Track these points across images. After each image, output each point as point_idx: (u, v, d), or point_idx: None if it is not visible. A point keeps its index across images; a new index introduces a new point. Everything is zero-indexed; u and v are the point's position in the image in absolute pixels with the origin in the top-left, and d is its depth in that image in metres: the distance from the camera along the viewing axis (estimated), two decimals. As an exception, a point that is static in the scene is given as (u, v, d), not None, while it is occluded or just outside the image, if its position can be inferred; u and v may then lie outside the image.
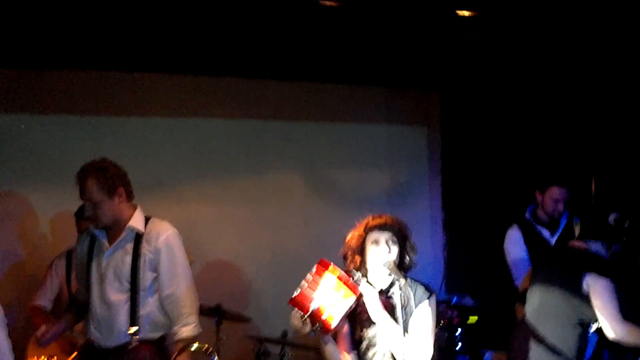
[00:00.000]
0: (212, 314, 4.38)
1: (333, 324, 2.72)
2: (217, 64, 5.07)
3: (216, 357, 3.51)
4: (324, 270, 2.75)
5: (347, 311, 2.77)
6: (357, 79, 5.51)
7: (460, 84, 5.60)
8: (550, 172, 4.69)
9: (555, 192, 4.53)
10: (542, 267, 3.77)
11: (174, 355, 3.27)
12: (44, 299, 4.33)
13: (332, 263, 2.77)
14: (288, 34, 4.67)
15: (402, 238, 2.94)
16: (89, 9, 4.14)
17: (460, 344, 4.60)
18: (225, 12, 4.33)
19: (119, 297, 3.38)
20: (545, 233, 4.62)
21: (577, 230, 4.23)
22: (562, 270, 3.55)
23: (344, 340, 2.93)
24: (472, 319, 4.66)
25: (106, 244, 3.45)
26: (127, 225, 3.41)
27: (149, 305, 3.41)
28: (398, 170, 5.83)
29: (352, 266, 2.96)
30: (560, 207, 4.54)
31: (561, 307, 3.43)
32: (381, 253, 2.89)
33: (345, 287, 2.71)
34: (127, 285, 3.39)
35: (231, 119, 5.48)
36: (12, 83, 4.89)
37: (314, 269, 2.78)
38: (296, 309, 2.73)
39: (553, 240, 4.60)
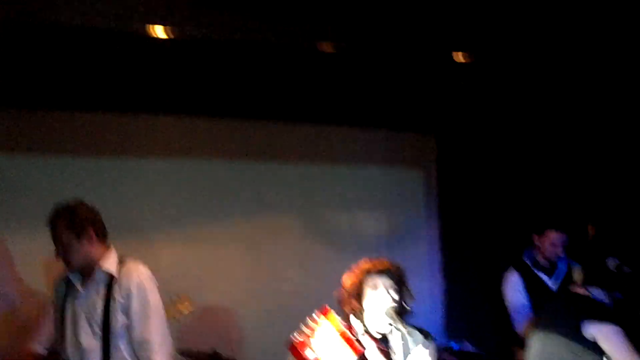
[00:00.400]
0: (208, 360, 4.32)
1: None
2: (212, 105, 5.09)
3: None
4: (326, 321, 2.70)
5: None
6: (353, 122, 5.54)
7: (456, 127, 5.64)
8: (548, 216, 4.68)
9: (552, 236, 4.52)
10: (543, 313, 3.73)
11: None
12: (38, 343, 4.24)
13: (334, 314, 2.71)
14: (285, 77, 4.71)
15: (400, 283, 2.92)
16: (81, 52, 4.17)
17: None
18: (221, 55, 4.37)
19: (91, 342, 3.30)
20: (544, 277, 4.59)
21: (576, 275, 4.20)
22: (562, 316, 3.51)
23: None
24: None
25: (79, 287, 3.39)
26: (98, 268, 3.35)
27: (120, 351, 3.32)
28: (395, 213, 5.82)
29: (348, 310, 2.91)
30: (559, 250, 4.52)
31: (562, 354, 3.38)
32: (380, 298, 2.86)
33: (347, 344, 2.66)
34: (99, 330, 3.31)
35: (227, 160, 5.47)
36: (4, 123, 4.86)
37: (316, 317, 2.73)
38: (294, 354, 2.67)
39: (552, 284, 4.57)
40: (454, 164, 5.76)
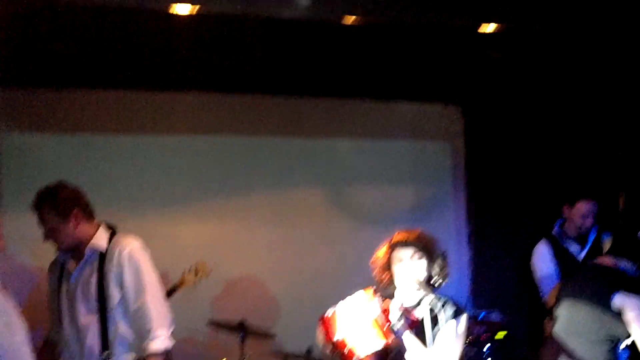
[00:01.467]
0: (237, 330, 4.38)
1: (355, 359, 2.66)
2: (240, 81, 5.08)
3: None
4: (363, 303, 2.67)
5: (373, 352, 2.71)
6: (380, 94, 5.49)
7: (484, 97, 5.56)
8: (579, 186, 4.62)
9: (583, 206, 4.47)
10: (571, 283, 3.72)
11: None
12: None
13: (372, 295, 2.68)
14: (311, 51, 4.69)
15: (428, 252, 2.90)
16: (100, 27, 4.18)
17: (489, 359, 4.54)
18: (248, 29, 4.35)
19: (88, 319, 3.32)
20: (574, 248, 4.56)
21: (605, 246, 4.16)
22: (590, 287, 3.49)
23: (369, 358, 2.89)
24: (500, 334, 4.60)
25: (72, 267, 3.40)
26: (88, 246, 3.36)
27: (119, 325, 3.33)
28: (422, 186, 5.78)
29: (381, 283, 2.92)
30: (589, 222, 4.48)
31: (589, 324, 3.37)
32: (406, 270, 2.85)
33: (379, 329, 2.65)
34: (95, 306, 3.32)
35: (254, 136, 5.49)
36: (25, 102, 4.93)
37: (356, 296, 2.71)
38: (322, 329, 2.69)
39: (581, 256, 4.53)
40: (482, 135, 5.69)
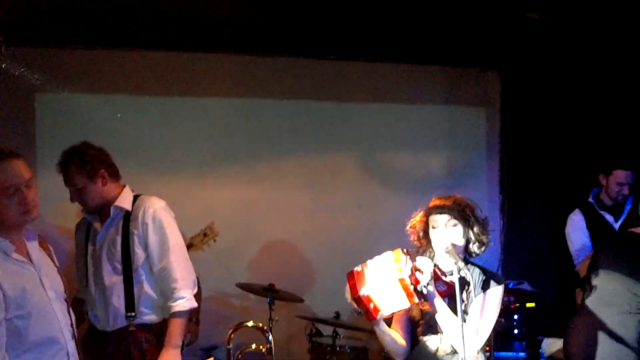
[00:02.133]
0: (265, 293, 4.41)
1: (378, 316, 2.64)
2: (271, 43, 5.04)
3: (270, 336, 3.51)
4: (391, 263, 2.63)
5: (396, 312, 2.70)
6: (415, 58, 5.40)
7: (521, 63, 5.43)
8: (615, 154, 4.52)
9: (620, 175, 4.39)
10: (604, 253, 3.64)
11: (230, 331, 3.27)
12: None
13: (404, 258, 2.63)
14: (345, 11, 4.61)
15: (464, 219, 2.83)
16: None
17: (517, 330, 4.51)
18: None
19: (113, 279, 3.35)
20: (609, 218, 4.49)
21: (642, 215, 4.08)
22: (624, 257, 3.41)
23: (400, 321, 2.88)
24: (530, 304, 4.56)
25: (98, 227, 3.43)
26: (113, 206, 3.37)
27: (143, 286, 3.35)
28: (456, 152, 5.71)
29: (420, 250, 2.89)
30: (625, 190, 4.40)
31: (621, 294, 3.30)
32: (441, 236, 2.82)
33: (403, 290, 2.60)
34: (119, 267, 3.34)
35: (286, 100, 5.46)
36: (59, 61, 4.95)
37: (384, 255, 2.67)
38: (349, 283, 2.67)
39: (617, 225, 4.46)
40: (518, 102, 5.58)
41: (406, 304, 2.61)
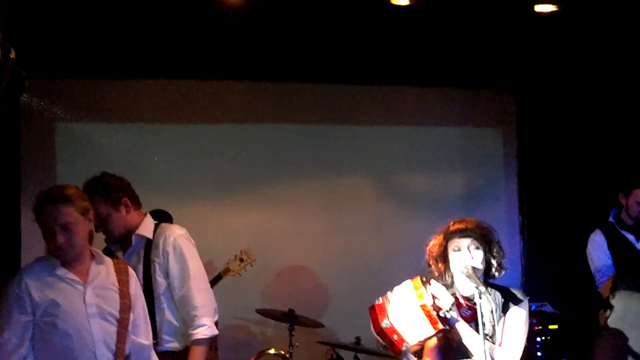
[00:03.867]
0: (285, 319, 4.39)
1: (403, 347, 2.62)
2: (287, 69, 5.09)
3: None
4: (411, 290, 2.63)
5: (423, 341, 2.66)
6: (430, 80, 5.42)
7: (537, 83, 5.42)
8: (634, 174, 4.48)
9: (639, 194, 4.34)
10: (627, 273, 3.61)
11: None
12: None
13: (424, 286, 2.64)
14: (359, 35, 4.64)
15: (486, 242, 2.81)
16: (155, 19, 4.24)
17: (540, 352, 4.46)
18: (299, 15, 4.33)
19: None
20: (631, 237, 4.43)
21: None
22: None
23: (432, 354, 2.80)
24: (553, 327, 4.51)
25: (120, 255, 3.43)
26: (134, 234, 3.39)
27: (165, 313, 3.35)
28: (473, 173, 5.69)
29: (436, 273, 2.86)
30: (646, 210, 4.35)
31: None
32: (463, 260, 2.79)
33: (426, 317, 2.59)
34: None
35: (301, 124, 5.50)
36: (79, 92, 5.05)
37: (404, 285, 2.67)
38: (372, 316, 2.66)
39: (639, 245, 4.40)
40: (535, 122, 5.56)
41: (430, 332, 2.59)
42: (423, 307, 2.57)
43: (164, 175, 5.10)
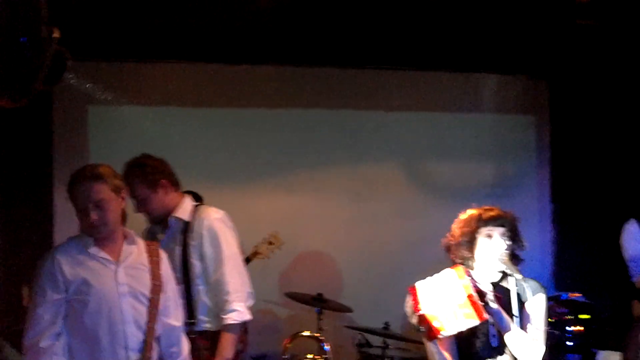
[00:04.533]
0: (314, 303, 4.40)
1: (441, 335, 2.60)
2: (315, 54, 5.07)
3: (328, 346, 3.48)
4: (456, 279, 2.60)
5: (463, 331, 2.63)
6: (462, 66, 5.35)
7: (571, 71, 5.34)
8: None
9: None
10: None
11: (286, 341, 3.29)
12: None
13: (469, 276, 2.63)
14: (390, 19, 4.60)
15: (514, 232, 2.82)
16: (188, 2, 4.24)
17: (571, 342, 4.42)
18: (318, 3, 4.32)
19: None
20: (666, 227, 4.34)
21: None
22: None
23: (445, 342, 2.78)
24: (584, 316, 4.46)
25: (160, 238, 3.46)
26: (170, 216, 3.42)
27: (201, 295, 3.38)
28: (504, 161, 5.63)
29: (457, 259, 2.84)
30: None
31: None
32: (494, 247, 2.78)
33: (472, 308, 2.56)
34: (179, 276, 3.35)
35: (329, 109, 5.47)
36: (111, 75, 5.08)
37: (445, 272, 2.65)
38: (411, 299, 2.64)
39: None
40: (568, 109, 5.48)
41: (476, 321, 2.57)
42: (470, 297, 2.55)
43: (191, 158, 5.10)
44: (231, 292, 3.32)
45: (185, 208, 3.46)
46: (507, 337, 2.71)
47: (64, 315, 2.70)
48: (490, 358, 2.76)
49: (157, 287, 2.84)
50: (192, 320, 3.34)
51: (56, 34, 2.33)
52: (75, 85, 4.87)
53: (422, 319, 2.58)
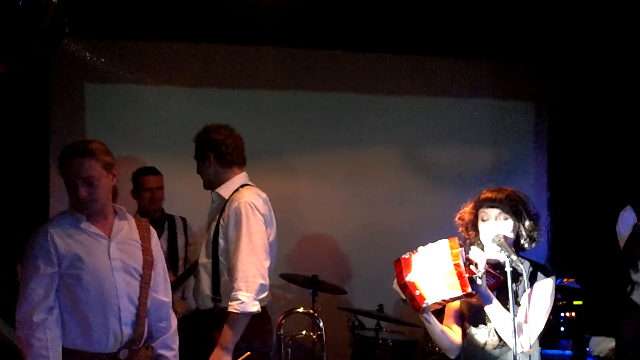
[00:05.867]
0: (309, 284, 4.41)
1: (423, 304, 2.56)
2: (316, 37, 5.06)
3: (321, 322, 3.49)
4: (447, 249, 2.57)
5: (446, 301, 2.61)
6: (462, 52, 5.35)
7: (570, 59, 5.34)
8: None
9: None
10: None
11: (280, 317, 3.29)
12: None
13: (461, 248, 2.58)
14: (391, 4, 4.58)
15: (516, 213, 2.76)
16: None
17: (563, 327, 4.44)
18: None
19: (204, 260, 3.42)
20: (661, 215, 4.35)
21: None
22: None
23: (454, 316, 2.82)
24: (577, 302, 4.48)
25: (212, 207, 3.50)
26: (213, 191, 3.45)
27: (224, 273, 3.36)
28: (502, 147, 5.63)
29: (467, 241, 2.83)
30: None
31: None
32: (491, 229, 2.75)
33: (456, 278, 2.53)
34: (210, 251, 3.39)
35: (328, 92, 5.46)
36: (136, 54, 5.11)
37: (439, 243, 2.61)
38: (397, 269, 2.64)
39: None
40: (567, 97, 5.48)
41: (458, 293, 2.55)
42: (457, 266, 2.53)
43: (188, 138, 5.09)
44: (239, 281, 3.21)
45: (229, 186, 3.41)
46: (494, 318, 2.70)
47: (57, 289, 2.70)
48: (482, 337, 2.76)
49: (148, 262, 2.85)
50: (217, 297, 3.35)
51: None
52: (72, 61, 4.84)
53: (406, 288, 2.56)
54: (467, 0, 4.54)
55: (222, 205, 3.40)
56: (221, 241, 3.35)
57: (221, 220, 3.35)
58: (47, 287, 2.68)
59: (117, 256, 2.78)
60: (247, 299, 3.19)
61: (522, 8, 4.61)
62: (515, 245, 2.79)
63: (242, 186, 3.42)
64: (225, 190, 3.42)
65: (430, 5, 4.59)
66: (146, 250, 2.87)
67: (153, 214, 4.41)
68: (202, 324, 3.44)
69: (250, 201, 3.31)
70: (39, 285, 2.67)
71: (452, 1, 4.54)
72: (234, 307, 3.19)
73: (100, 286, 2.71)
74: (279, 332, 3.37)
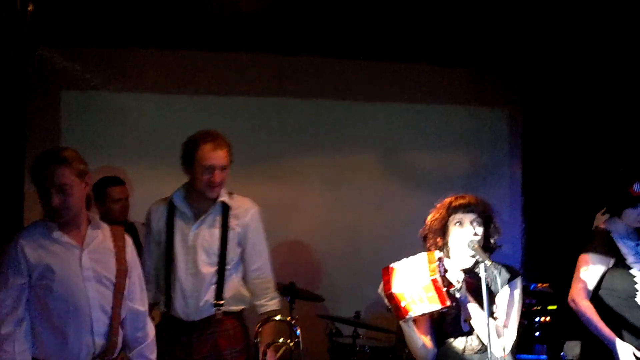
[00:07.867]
0: (286, 292, 4.41)
1: (407, 316, 2.64)
2: (298, 44, 5.09)
3: (299, 330, 3.55)
4: (425, 263, 2.63)
5: (427, 314, 2.68)
6: (437, 59, 5.40)
7: (544, 66, 5.40)
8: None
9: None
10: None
11: (258, 326, 3.41)
12: None
13: (438, 261, 2.64)
14: (369, 11, 4.62)
15: (486, 219, 2.84)
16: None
17: (538, 332, 4.48)
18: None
19: (208, 269, 3.42)
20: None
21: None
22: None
23: (424, 325, 2.85)
24: (552, 307, 4.52)
25: (191, 215, 3.47)
26: (219, 199, 3.45)
27: (233, 279, 3.48)
28: (477, 153, 5.70)
29: (433, 248, 2.86)
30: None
31: None
32: (465, 234, 2.79)
33: (435, 292, 2.59)
34: (215, 259, 3.43)
35: (308, 99, 5.48)
36: (112, 61, 5.09)
37: (419, 256, 2.67)
38: (384, 278, 2.68)
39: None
40: (540, 103, 5.55)
41: (438, 307, 2.60)
42: (434, 281, 2.58)
43: (165, 145, 5.09)
44: (272, 280, 3.55)
45: (225, 192, 3.50)
46: (474, 323, 2.75)
47: (27, 300, 2.68)
48: (461, 344, 2.79)
49: (122, 271, 2.84)
50: (221, 302, 3.42)
51: (30, 7, 2.30)
52: (48, 69, 4.81)
53: (392, 298, 2.61)
54: (444, 11, 4.58)
55: (221, 212, 3.44)
56: (236, 248, 3.46)
57: (234, 227, 3.45)
58: (16, 298, 2.67)
59: (89, 265, 2.76)
60: (279, 296, 3.63)
61: (496, 18, 4.68)
62: (484, 249, 2.84)
63: (230, 193, 3.54)
64: (224, 197, 3.48)
65: (408, 15, 4.65)
66: (120, 259, 2.85)
67: (120, 224, 4.38)
68: (196, 333, 3.43)
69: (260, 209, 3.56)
70: (7, 297, 2.66)
71: (429, 11, 4.59)
72: (275, 304, 3.56)
73: (71, 296, 2.71)
74: (256, 340, 3.41)
